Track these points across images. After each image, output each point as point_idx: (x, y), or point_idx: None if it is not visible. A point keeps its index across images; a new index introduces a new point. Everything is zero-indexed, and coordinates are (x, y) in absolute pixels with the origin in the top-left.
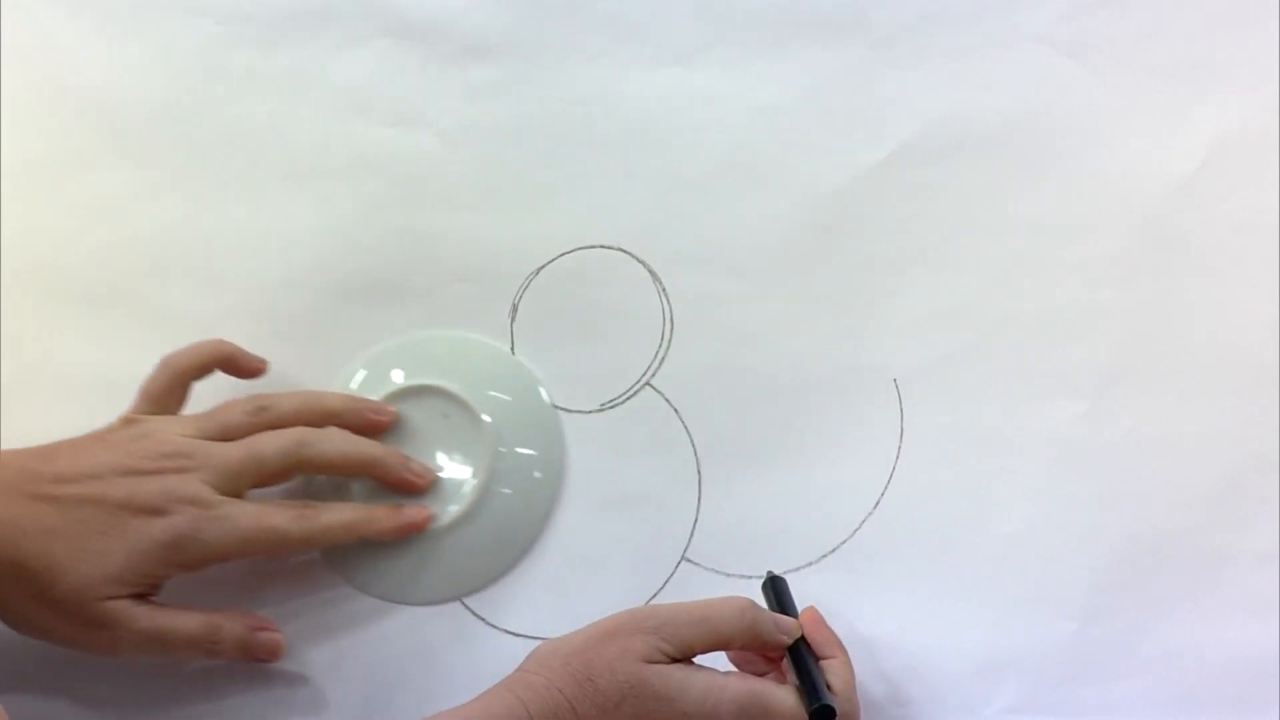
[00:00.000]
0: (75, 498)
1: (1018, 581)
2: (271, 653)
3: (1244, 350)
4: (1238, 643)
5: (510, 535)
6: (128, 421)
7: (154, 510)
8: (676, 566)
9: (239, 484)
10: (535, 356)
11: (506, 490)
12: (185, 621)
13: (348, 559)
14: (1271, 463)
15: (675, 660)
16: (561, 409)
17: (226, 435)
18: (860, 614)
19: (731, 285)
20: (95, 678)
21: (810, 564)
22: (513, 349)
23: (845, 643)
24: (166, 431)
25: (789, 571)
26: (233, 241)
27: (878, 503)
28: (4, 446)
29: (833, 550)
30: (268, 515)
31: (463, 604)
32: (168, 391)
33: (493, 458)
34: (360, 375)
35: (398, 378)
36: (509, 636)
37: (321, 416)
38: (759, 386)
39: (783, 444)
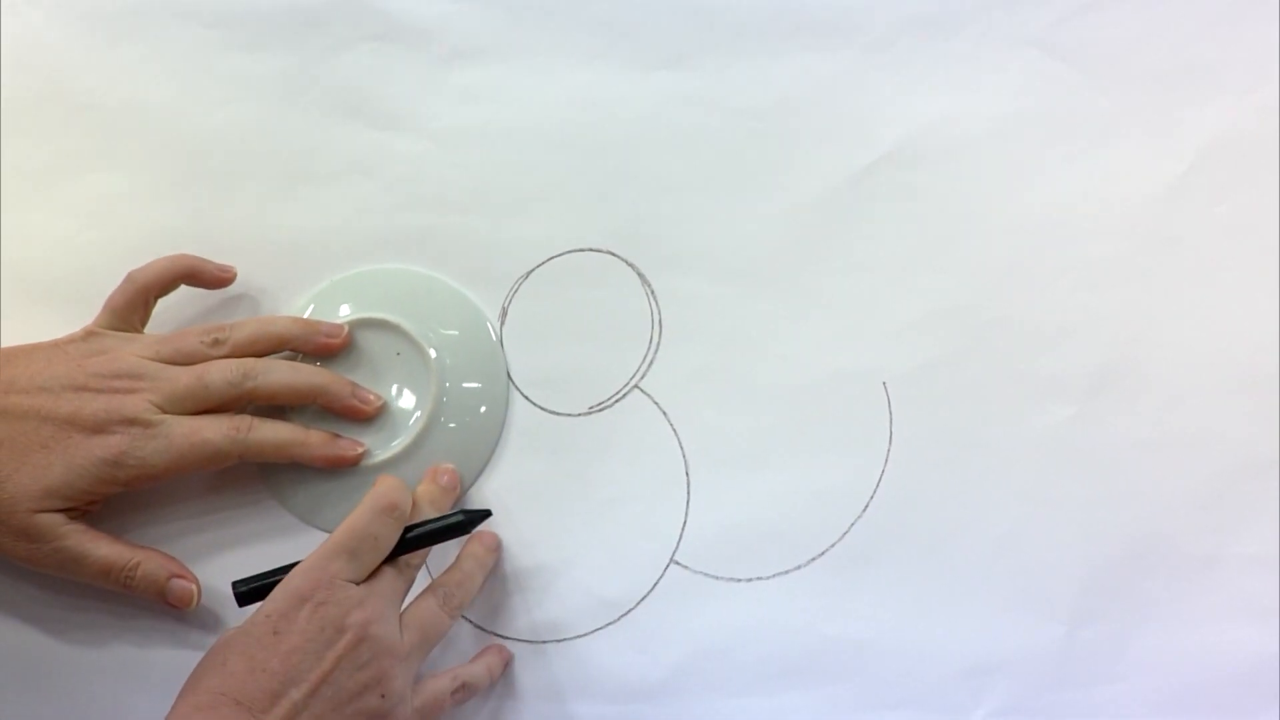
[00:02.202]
0: (21, 409)
1: (1006, 584)
2: (182, 601)
3: (1233, 353)
4: (1227, 646)
5: (455, 468)
6: (89, 334)
7: (96, 428)
8: (665, 569)
9: (183, 408)
10: (524, 359)
11: (452, 424)
12: (105, 550)
13: (293, 490)
14: (1260, 466)
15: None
16: (550, 411)
17: (179, 358)
18: (849, 617)
19: (720, 288)
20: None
21: (799, 567)
22: (502, 351)
23: (833, 646)
24: (122, 350)
25: (778, 574)
26: (224, 244)
27: (867, 506)
28: None
29: (822, 553)
30: (202, 429)
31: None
32: (130, 307)
33: (439, 391)
34: (309, 310)
35: (345, 312)
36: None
37: (275, 342)
38: (748, 389)
39: (771, 447)
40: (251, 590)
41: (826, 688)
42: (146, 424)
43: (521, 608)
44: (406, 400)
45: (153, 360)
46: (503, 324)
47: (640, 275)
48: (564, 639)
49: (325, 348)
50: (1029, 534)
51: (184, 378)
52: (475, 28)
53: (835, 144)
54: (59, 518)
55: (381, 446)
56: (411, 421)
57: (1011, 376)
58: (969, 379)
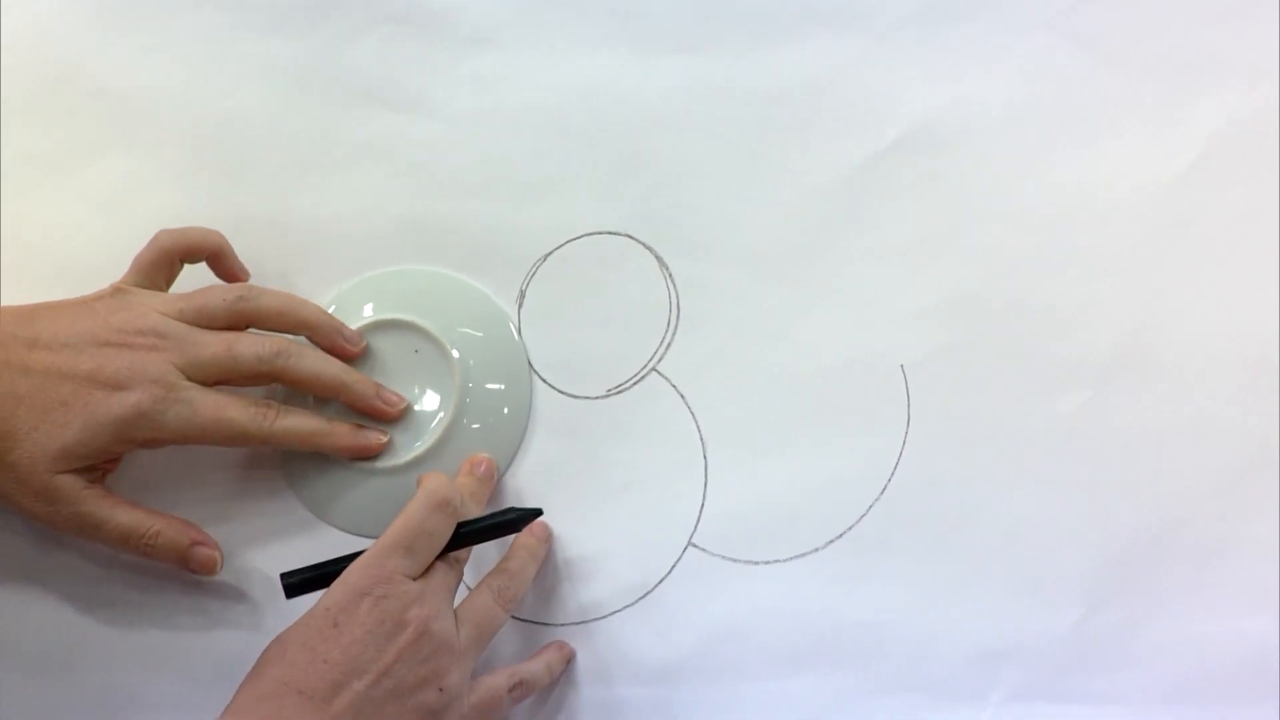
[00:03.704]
0: (43, 365)
1: (1021, 569)
2: (205, 567)
3: (1246, 341)
4: (1239, 632)
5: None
6: (116, 290)
7: (118, 385)
8: (683, 552)
9: (207, 376)
10: (542, 342)
11: (475, 425)
12: (124, 516)
13: (313, 489)
14: (1273, 453)
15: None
16: (568, 394)
17: (204, 319)
18: (865, 600)
19: (737, 272)
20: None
21: (816, 550)
22: (520, 335)
23: (850, 629)
24: (148, 306)
25: (796, 557)
26: (237, 230)
27: (884, 489)
28: None
29: (839, 536)
30: (227, 407)
31: (465, 585)
32: (156, 266)
33: (461, 393)
34: (332, 309)
35: (368, 312)
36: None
37: (297, 324)
38: (765, 372)
39: (789, 430)
40: (300, 583)
41: (842, 671)
42: (169, 386)
43: (538, 590)
44: (429, 402)
45: (177, 320)
46: (520, 307)
47: (658, 258)
48: (582, 622)
49: (342, 350)
50: (1043, 519)
51: (213, 345)
52: (490, 12)
53: (849, 129)
54: (78, 481)
55: (404, 448)
56: (434, 423)
57: (1025, 362)
58: (983, 364)
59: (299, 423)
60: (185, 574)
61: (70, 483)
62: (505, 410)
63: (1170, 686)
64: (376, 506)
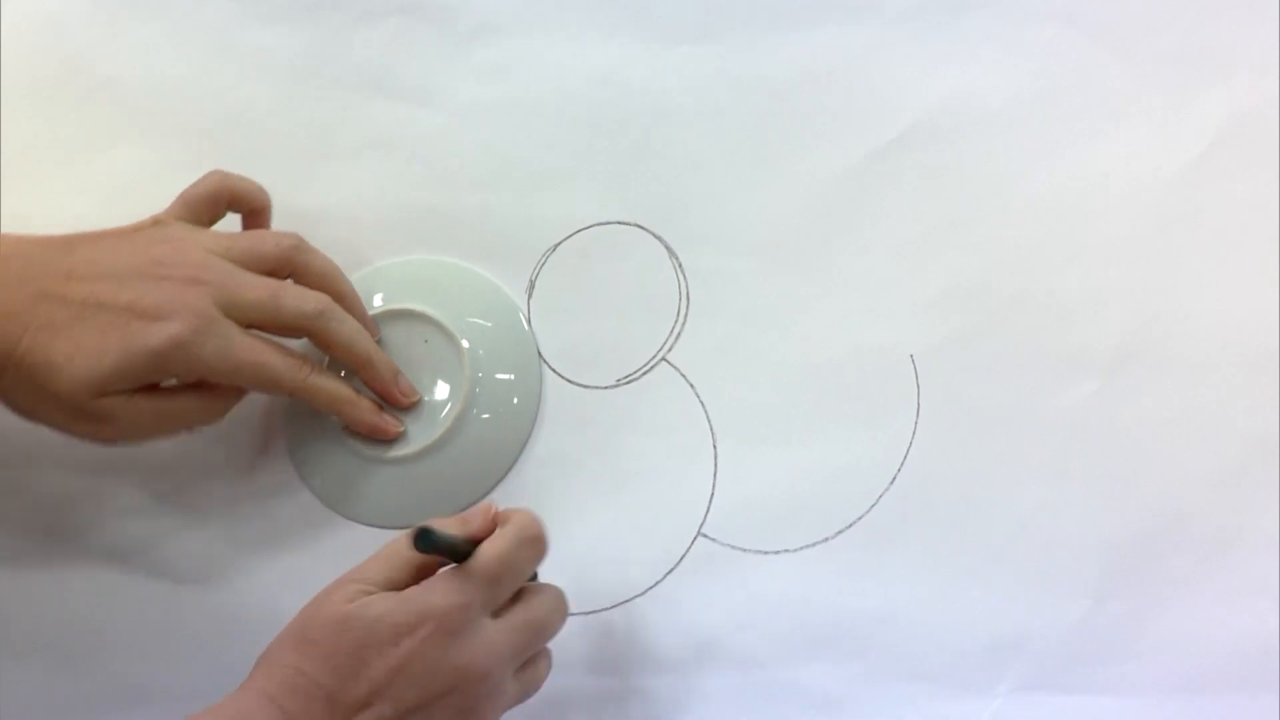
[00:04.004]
0: (81, 295)
1: (1030, 560)
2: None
3: (1255, 332)
4: (1249, 622)
5: (487, 460)
6: (157, 222)
7: (157, 316)
8: (693, 542)
9: (244, 317)
10: (552, 332)
11: (485, 416)
12: (183, 402)
13: (324, 480)
14: None
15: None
16: (578, 384)
17: (252, 261)
18: (875, 590)
19: (747, 262)
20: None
21: (826, 540)
22: (529, 325)
23: (859, 619)
24: (192, 240)
25: (805, 547)
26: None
27: (894, 479)
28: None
29: (848, 526)
30: (266, 353)
31: None
32: (202, 204)
33: (471, 383)
34: None
35: (378, 301)
36: None
37: (334, 291)
38: (775, 362)
39: (799, 420)
40: (432, 544)
41: (852, 660)
42: (209, 320)
43: (548, 580)
44: (439, 392)
45: (222, 257)
46: (530, 297)
47: (668, 248)
48: (591, 611)
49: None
50: (1053, 509)
51: (258, 289)
52: (498, 2)
53: (858, 119)
54: (122, 398)
55: (415, 438)
56: (444, 413)
57: (1035, 353)
58: (992, 355)
59: (330, 385)
60: (196, 565)
61: (120, 401)
62: (515, 400)
63: (1179, 677)
64: (387, 497)
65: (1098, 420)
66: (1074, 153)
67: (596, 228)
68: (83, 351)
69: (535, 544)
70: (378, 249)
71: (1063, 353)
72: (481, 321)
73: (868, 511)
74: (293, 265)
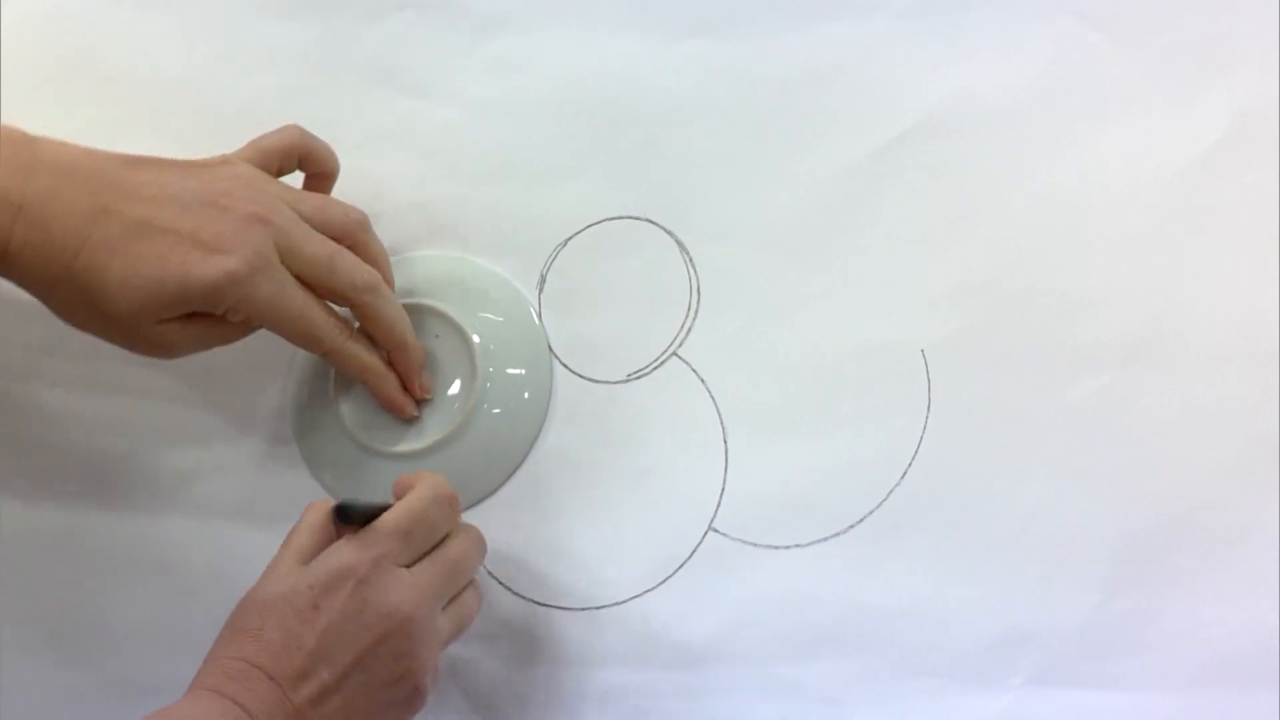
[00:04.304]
0: (143, 219)
1: (1041, 554)
2: None
3: (1263, 327)
4: (1258, 618)
5: (498, 455)
6: (226, 161)
7: (217, 248)
8: (703, 537)
9: (300, 272)
10: (563, 327)
11: (495, 410)
12: (227, 332)
13: (334, 473)
14: None
15: None
16: (589, 379)
17: (318, 220)
18: (885, 585)
19: (758, 257)
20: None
21: (837, 535)
22: (540, 319)
23: (869, 614)
24: (261, 183)
25: (816, 542)
26: None
27: (904, 474)
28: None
29: (859, 521)
30: (314, 309)
31: (486, 570)
32: (275, 154)
33: (482, 378)
34: None
35: None
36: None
37: (384, 278)
38: (786, 357)
39: (810, 414)
40: (351, 515)
41: (862, 656)
42: (267, 263)
43: (559, 575)
44: (450, 387)
45: (291, 206)
46: (541, 292)
47: (679, 243)
48: (602, 606)
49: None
50: (1062, 504)
51: (319, 247)
52: None
53: (867, 113)
54: (177, 324)
55: (426, 433)
56: (455, 408)
57: (1045, 347)
58: (1001, 349)
59: (365, 354)
60: (205, 559)
61: (174, 327)
62: (525, 395)
63: (1188, 671)
64: None
65: (1106, 415)
66: (1079, 149)
67: (607, 222)
68: (139, 276)
69: (445, 500)
70: (387, 244)
71: (1070, 349)
72: (492, 316)
73: (878, 506)
74: (353, 240)
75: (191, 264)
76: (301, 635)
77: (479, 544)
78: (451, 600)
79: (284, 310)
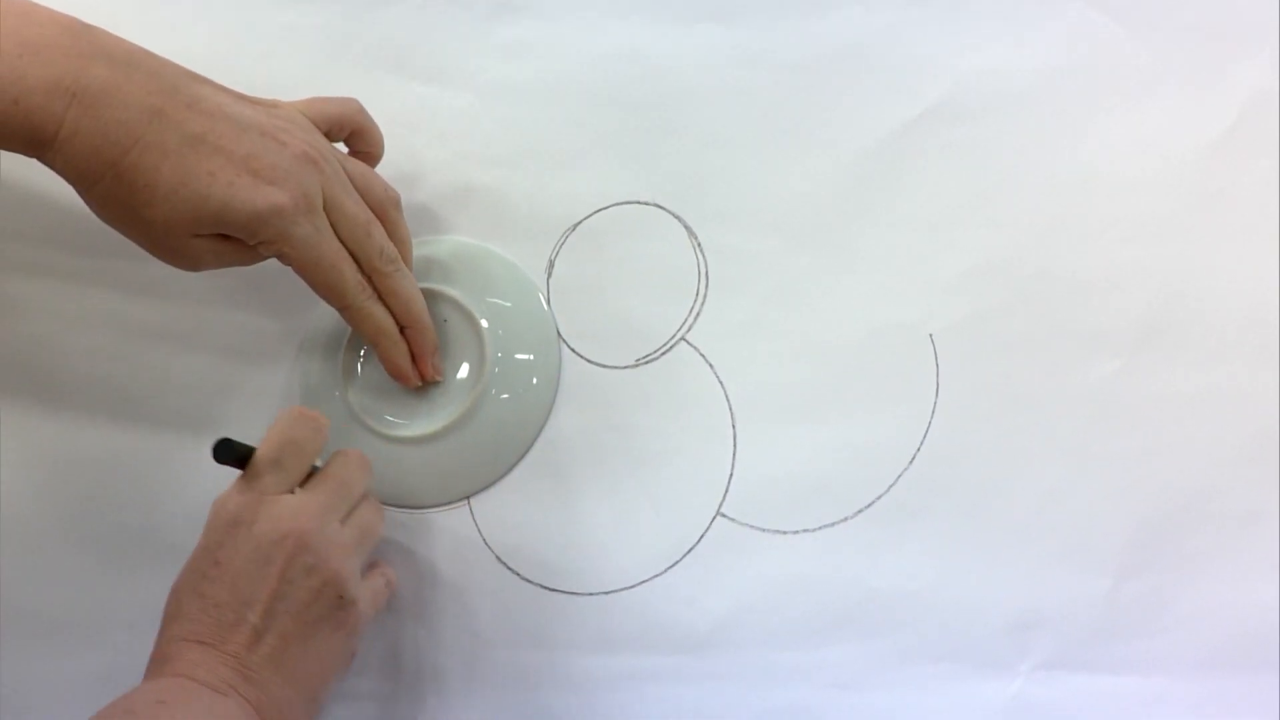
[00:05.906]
0: (199, 132)
1: (1052, 538)
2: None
3: (1278, 309)
4: (1271, 601)
5: (506, 440)
6: (278, 104)
7: (269, 179)
8: (712, 521)
9: (336, 224)
10: (571, 312)
11: (504, 395)
12: (251, 253)
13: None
14: None
15: None
16: (597, 364)
17: (360, 185)
18: (895, 570)
19: (767, 241)
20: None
21: (845, 520)
22: (549, 304)
23: (879, 599)
24: (316, 133)
25: (824, 527)
26: None
27: (913, 459)
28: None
29: (868, 506)
30: (346, 262)
31: (495, 555)
32: (330, 118)
33: (490, 363)
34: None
35: None
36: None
37: (405, 259)
38: (794, 342)
39: (818, 399)
40: (229, 454)
41: (872, 640)
42: (312, 204)
43: (567, 560)
44: (459, 371)
45: (339, 163)
46: (549, 277)
47: (687, 228)
48: (610, 591)
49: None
50: (1074, 488)
51: (359, 209)
52: None
53: (880, 97)
54: (210, 240)
55: (434, 417)
56: (463, 393)
57: (1056, 331)
58: (1014, 333)
59: (383, 316)
60: None
61: (207, 243)
62: (534, 380)
63: (1201, 654)
64: (406, 475)
65: (1119, 399)
66: (1095, 131)
67: (616, 207)
68: (186, 188)
69: (304, 419)
70: None
71: (1084, 331)
72: (501, 301)
73: (887, 491)
74: (385, 215)
75: (239, 188)
76: (215, 593)
77: (360, 461)
78: (349, 515)
79: (319, 256)
